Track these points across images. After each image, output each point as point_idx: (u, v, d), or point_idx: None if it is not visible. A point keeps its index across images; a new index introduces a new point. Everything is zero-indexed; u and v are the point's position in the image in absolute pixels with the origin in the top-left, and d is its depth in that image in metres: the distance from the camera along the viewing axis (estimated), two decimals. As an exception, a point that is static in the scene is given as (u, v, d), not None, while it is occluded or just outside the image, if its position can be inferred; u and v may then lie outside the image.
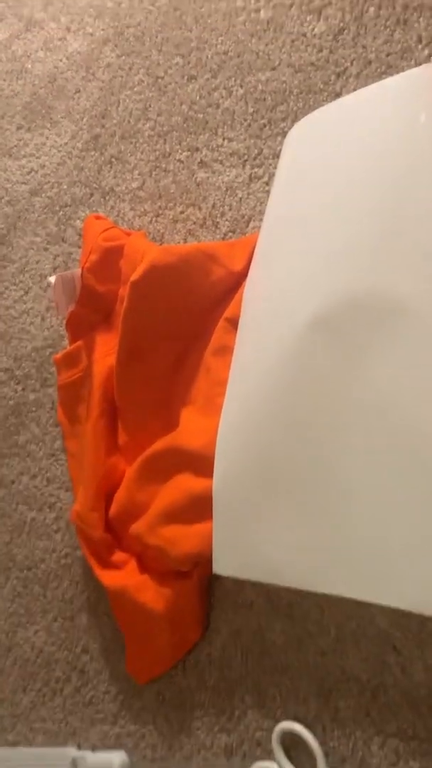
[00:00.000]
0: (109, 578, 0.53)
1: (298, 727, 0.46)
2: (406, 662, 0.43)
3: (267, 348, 0.45)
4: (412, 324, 0.40)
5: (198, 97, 0.57)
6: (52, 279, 0.53)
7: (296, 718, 0.47)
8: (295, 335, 0.43)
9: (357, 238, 0.42)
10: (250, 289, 0.49)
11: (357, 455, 0.41)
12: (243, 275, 0.51)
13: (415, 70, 0.42)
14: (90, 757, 0.54)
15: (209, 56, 0.56)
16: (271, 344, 0.44)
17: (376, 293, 0.41)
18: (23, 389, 0.65)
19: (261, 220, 0.53)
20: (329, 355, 0.42)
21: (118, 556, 0.54)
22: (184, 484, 0.49)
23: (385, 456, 0.40)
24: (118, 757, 0.53)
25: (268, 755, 0.48)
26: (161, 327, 0.52)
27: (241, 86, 0.54)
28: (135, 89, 0.61)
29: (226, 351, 0.50)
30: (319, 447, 0.42)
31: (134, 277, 0.50)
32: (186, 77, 0.58)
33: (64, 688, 0.59)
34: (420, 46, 0.47)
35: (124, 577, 0.52)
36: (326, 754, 0.45)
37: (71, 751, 0.56)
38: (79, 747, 0.57)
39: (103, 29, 0.64)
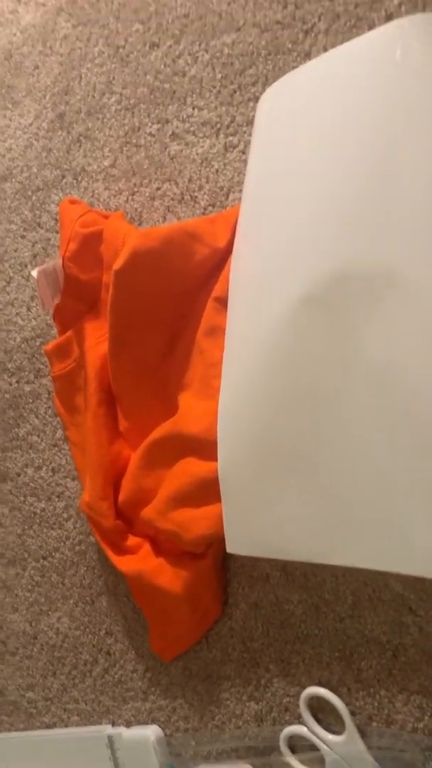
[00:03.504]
0: (125, 564, 0.53)
1: (323, 691, 0.48)
2: (423, 622, 0.44)
3: (259, 327, 0.44)
4: (403, 292, 0.39)
5: (162, 66, 0.54)
6: (35, 273, 0.51)
7: (321, 683, 0.48)
8: (287, 313, 0.42)
9: (340, 207, 0.41)
10: (236, 267, 0.48)
11: (358, 426, 0.41)
12: (228, 251, 0.50)
13: (387, 25, 0.40)
14: (125, 733, 0.56)
15: (170, 21, 0.54)
16: (262, 323, 0.44)
17: (365, 264, 0.40)
18: (17, 381, 0.64)
19: (241, 191, 0.52)
20: (323, 330, 0.41)
21: (132, 540, 0.54)
22: (190, 468, 0.49)
23: (387, 424, 0.40)
24: (152, 731, 0.55)
25: (298, 719, 0.49)
26: (149, 312, 0.51)
27: (206, 51, 0.52)
28: (96, 61, 0.58)
29: (217, 331, 0.49)
30: (320, 421, 0.42)
31: (116, 266, 0.49)
32: (148, 45, 0.55)
33: (93, 669, 0.60)
34: (389, -5, 0.45)
35: (139, 561, 0.53)
36: (353, 714, 0.47)
37: (107, 729, 0.58)
38: (114, 724, 0.59)
39: (55, -2, 0.61)
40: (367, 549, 0.41)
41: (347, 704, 0.47)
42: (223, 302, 0.49)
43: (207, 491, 0.48)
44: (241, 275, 0.47)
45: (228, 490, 0.46)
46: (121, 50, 0.57)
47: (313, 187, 0.43)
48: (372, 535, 0.41)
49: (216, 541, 0.49)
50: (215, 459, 0.47)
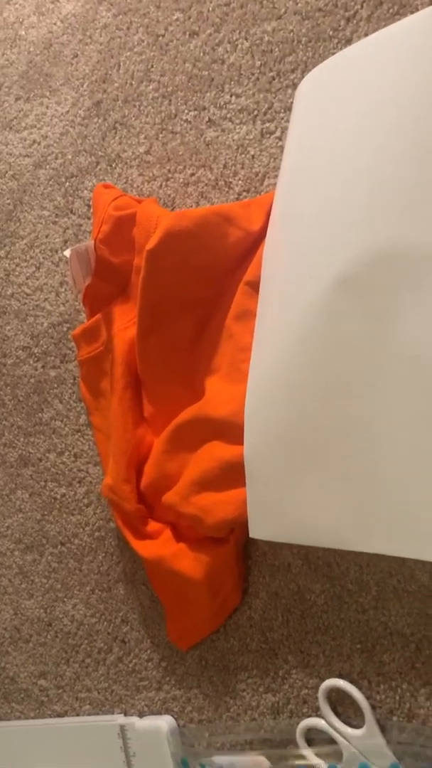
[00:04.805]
0: (145, 549, 0.53)
1: (343, 683, 0.47)
2: (449, 615, 0.44)
3: (292, 311, 0.44)
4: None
5: (201, 54, 0.55)
6: (68, 253, 0.52)
7: (341, 675, 0.47)
8: (321, 296, 0.42)
9: (379, 189, 0.41)
10: (269, 251, 0.48)
11: (392, 411, 0.40)
12: (261, 235, 0.49)
13: (427, 9, 0.40)
14: (138, 723, 0.55)
15: (210, 9, 0.54)
16: (295, 307, 0.43)
17: (403, 245, 0.39)
18: (43, 366, 0.64)
19: (276, 177, 0.52)
20: (356, 313, 0.41)
21: (153, 526, 0.54)
22: (215, 452, 0.48)
23: (422, 409, 0.39)
24: (165, 722, 0.54)
25: (315, 712, 0.48)
26: (180, 295, 0.51)
27: (246, 39, 0.52)
28: (135, 50, 0.59)
29: (248, 315, 0.49)
30: (352, 406, 0.41)
31: (149, 245, 0.49)
32: (187, 33, 0.56)
33: (107, 658, 0.59)
34: (433, -18, 0.45)
35: (160, 546, 0.52)
36: (373, 708, 0.46)
37: (118, 718, 0.57)
38: (126, 714, 0.58)
39: (96, -12, 0.62)
40: (395, 535, 0.41)
41: (368, 697, 0.46)
42: (254, 286, 0.49)
43: (231, 475, 0.47)
44: (274, 259, 0.47)
45: (253, 473, 0.46)
46: (160, 39, 0.57)
47: (352, 169, 0.42)
48: (401, 521, 0.40)
49: (238, 526, 0.48)
50: (241, 443, 0.47)
